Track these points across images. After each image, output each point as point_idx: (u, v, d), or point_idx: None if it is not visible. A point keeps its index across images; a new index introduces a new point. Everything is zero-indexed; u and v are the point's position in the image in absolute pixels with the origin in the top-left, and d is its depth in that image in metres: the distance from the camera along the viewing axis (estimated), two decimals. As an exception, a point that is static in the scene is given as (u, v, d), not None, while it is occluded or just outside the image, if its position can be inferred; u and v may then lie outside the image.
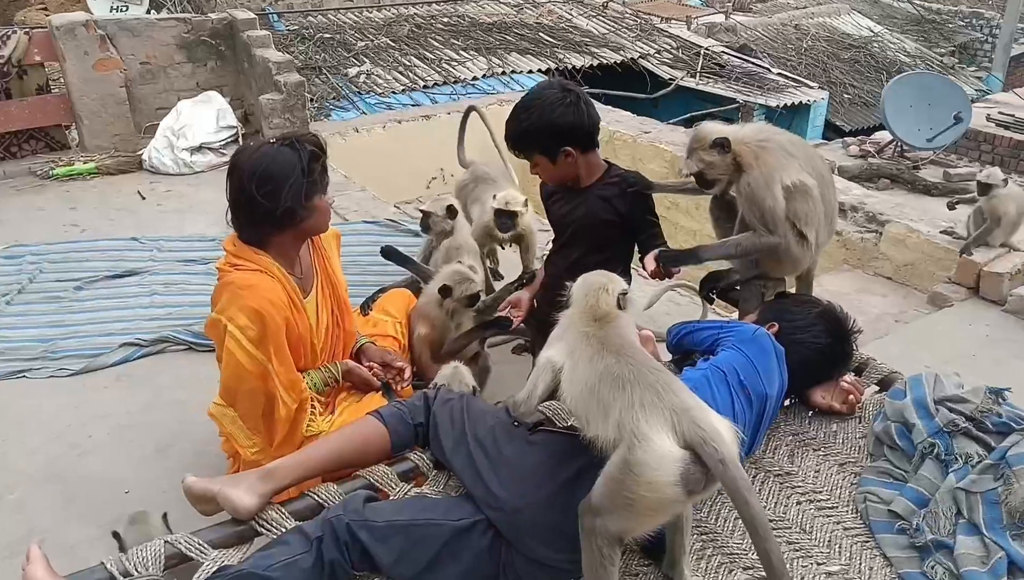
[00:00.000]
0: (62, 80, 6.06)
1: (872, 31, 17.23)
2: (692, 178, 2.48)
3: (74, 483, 2.93)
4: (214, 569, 1.72)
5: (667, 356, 2.45)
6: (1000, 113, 9.56)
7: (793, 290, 2.69)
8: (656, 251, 2.51)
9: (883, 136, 8.79)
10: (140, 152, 5.95)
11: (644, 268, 2.58)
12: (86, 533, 2.68)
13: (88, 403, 3.36)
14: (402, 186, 6.42)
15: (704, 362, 2.10)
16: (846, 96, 14.48)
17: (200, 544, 1.78)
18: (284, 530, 1.85)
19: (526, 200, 3.49)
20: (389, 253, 3.60)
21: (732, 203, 2.64)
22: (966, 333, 3.79)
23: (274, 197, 2.35)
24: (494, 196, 3.56)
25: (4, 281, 4.30)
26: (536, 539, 1.80)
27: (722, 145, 2.36)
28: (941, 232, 4.49)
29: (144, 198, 5.48)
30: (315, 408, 2.55)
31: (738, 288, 2.67)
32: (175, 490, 2.82)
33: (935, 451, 1.90)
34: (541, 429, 1.96)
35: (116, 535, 2.14)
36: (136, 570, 1.71)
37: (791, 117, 12.50)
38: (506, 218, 3.44)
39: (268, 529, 1.86)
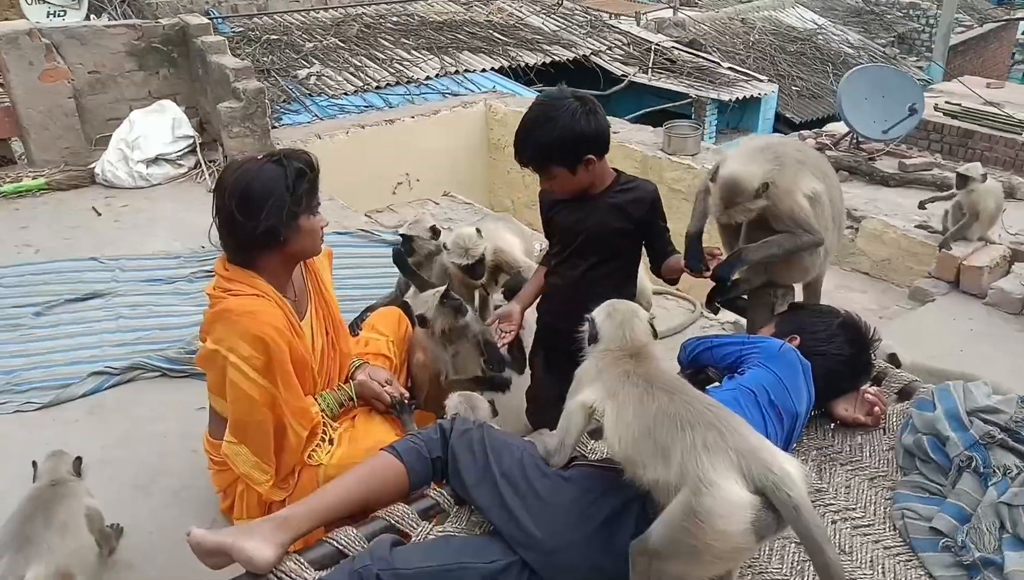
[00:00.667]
0: (5, 92, 5.76)
1: (816, 24, 17.55)
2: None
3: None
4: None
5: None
6: (947, 103, 9.79)
7: (799, 298, 2.65)
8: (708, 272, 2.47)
9: (835, 128, 8.91)
10: (92, 165, 5.69)
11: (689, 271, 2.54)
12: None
13: (59, 438, 3.14)
14: (368, 193, 6.27)
15: (730, 381, 2.03)
16: (794, 88, 14.70)
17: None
18: (304, 587, 1.73)
19: (478, 229, 3.27)
20: (401, 263, 3.42)
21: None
22: (951, 328, 3.82)
23: (254, 215, 2.24)
24: (444, 246, 3.28)
25: (-44, 309, 4.05)
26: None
27: (766, 188, 2.31)
28: (916, 226, 4.54)
29: (100, 214, 5.24)
30: (326, 434, 2.42)
31: (745, 297, 2.63)
32: (161, 530, 2.70)
33: (972, 464, 1.88)
34: (576, 464, 1.88)
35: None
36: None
37: (742, 110, 12.64)
38: (475, 266, 3.21)
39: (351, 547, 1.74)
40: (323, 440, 2.44)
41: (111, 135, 5.76)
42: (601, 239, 2.64)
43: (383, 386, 2.58)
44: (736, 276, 2.48)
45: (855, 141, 8.18)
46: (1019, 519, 1.76)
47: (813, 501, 2.00)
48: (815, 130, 9.62)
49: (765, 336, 2.25)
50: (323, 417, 2.46)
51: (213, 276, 4.60)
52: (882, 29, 18.79)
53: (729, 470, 1.45)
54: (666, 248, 2.63)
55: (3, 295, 4.19)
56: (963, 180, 4.23)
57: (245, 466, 2.34)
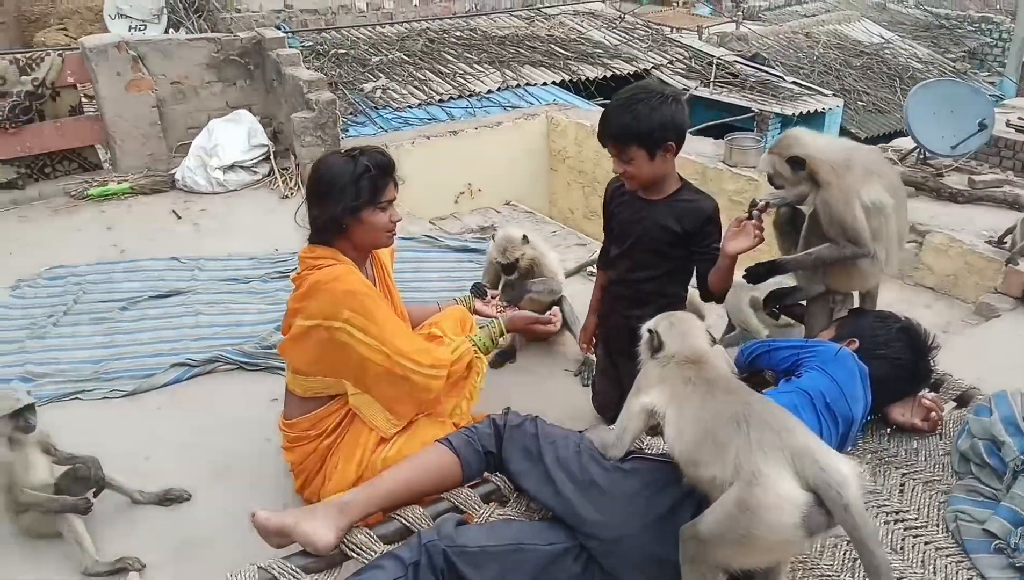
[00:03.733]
0: (95, 101, 6.10)
1: (883, 38, 17.26)
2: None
3: (138, 507, 2.94)
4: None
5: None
6: (1020, 118, 9.54)
7: (856, 305, 2.68)
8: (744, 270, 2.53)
9: (902, 143, 8.75)
10: (172, 171, 5.99)
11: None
12: (150, 559, 2.68)
13: (144, 425, 3.37)
14: (432, 201, 6.45)
15: (786, 383, 2.09)
16: (860, 103, 14.49)
17: (293, 569, 1.80)
18: (373, 554, 1.85)
19: (524, 235, 3.55)
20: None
21: (797, 217, 2.66)
22: (1017, 344, 3.77)
23: (320, 204, 2.50)
24: (492, 237, 3.64)
25: (49, 302, 4.33)
26: (636, 568, 1.80)
27: (797, 164, 2.38)
28: (986, 242, 4.48)
29: (180, 217, 5.51)
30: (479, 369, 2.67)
31: (802, 303, 2.68)
32: (238, 511, 2.83)
33: (1028, 469, 1.90)
34: (634, 457, 1.96)
35: None
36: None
37: (806, 125, 12.49)
38: (507, 266, 3.53)
39: (358, 553, 1.86)
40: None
41: (190, 143, 6.06)
42: (651, 240, 2.71)
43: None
44: (789, 284, 2.54)
45: (922, 157, 8.05)
46: (1074, 523, 1.78)
47: (867, 502, 2.05)
48: (881, 145, 9.48)
49: (824, 340, 2.30)
50: (476, 352, 2.70)
51: (285, 277, 4.84)
52: (952, 44, 18.38)
53: (782, 466, 1.53)
54: (705, 263, 2.62)
55: (90, 291, 4.45)
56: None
57: (368, 411, 2.57)
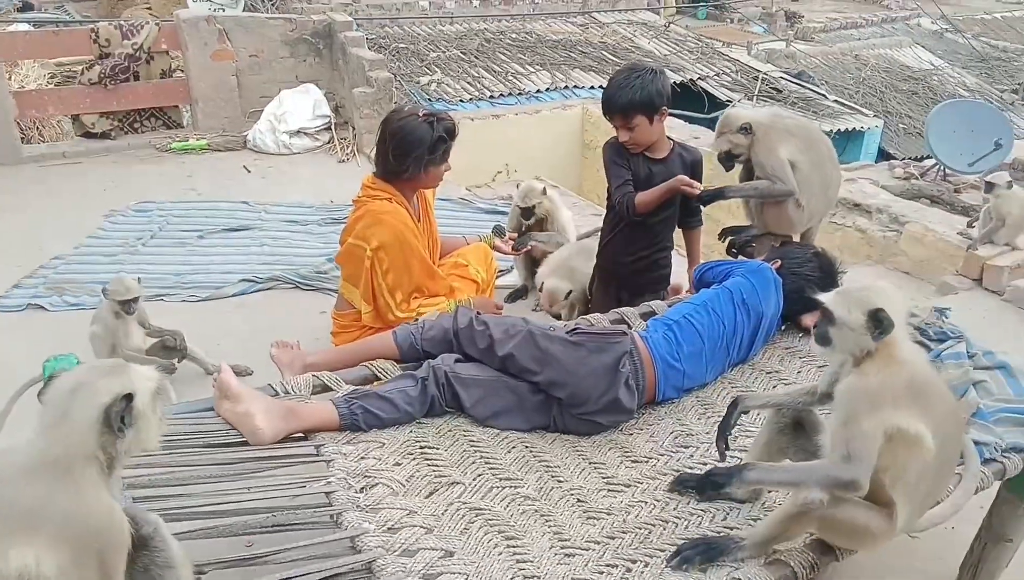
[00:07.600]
0: (182, 67, 6.92)
1: (933, 64, 17.48)
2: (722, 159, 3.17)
3: (209, 377, 3.64)
4: (346, 392, 2.38)
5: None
6: (1042, 143, 9.87)
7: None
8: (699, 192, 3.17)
9: (931, 162, 9.20)
10: (245, 133, 6.78)
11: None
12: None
13: (216, 322, 4.10)
14: (469, 179, 7.09)
15: (718, 286, 2.71)
16: (901, 126, 14.77)
17: (337, 379, 2.46)
18: (395, 375, 2.51)
19: (544, 188, 4.19)
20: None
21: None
22: (964, 317, 4.25)
23: (401, 161, 3.13)
24: (517, 185, 4.29)
25: (137, 228, 5.13)
26: (594, 405, 2.41)
27: (746, 129, 3.00)
28: (958, 233, 4.98)
29: (250, 172, 6.29)
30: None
31: (752, 245, 3.29)
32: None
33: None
34: (578, 331, 2.55)
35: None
36: (291, 390, 2.38)
37: (844, 142, 12.87)
38: (525, 210, 4.16)
39: (385, 375, 2.52)
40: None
41: (262, 109, 6.84)
42: None
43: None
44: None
45: (942, 173, 8.48)
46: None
47: (769, 377, 2.66)
48: (905, 160, 9.90)
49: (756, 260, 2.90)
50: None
51: (338, 222, 5.57)
52: (1006, 76, 18.51)
53: None
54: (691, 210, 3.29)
55: (173, 222, 5.23)
56: (989, 186, 4.67)
57: (350, 295, 3.33)
